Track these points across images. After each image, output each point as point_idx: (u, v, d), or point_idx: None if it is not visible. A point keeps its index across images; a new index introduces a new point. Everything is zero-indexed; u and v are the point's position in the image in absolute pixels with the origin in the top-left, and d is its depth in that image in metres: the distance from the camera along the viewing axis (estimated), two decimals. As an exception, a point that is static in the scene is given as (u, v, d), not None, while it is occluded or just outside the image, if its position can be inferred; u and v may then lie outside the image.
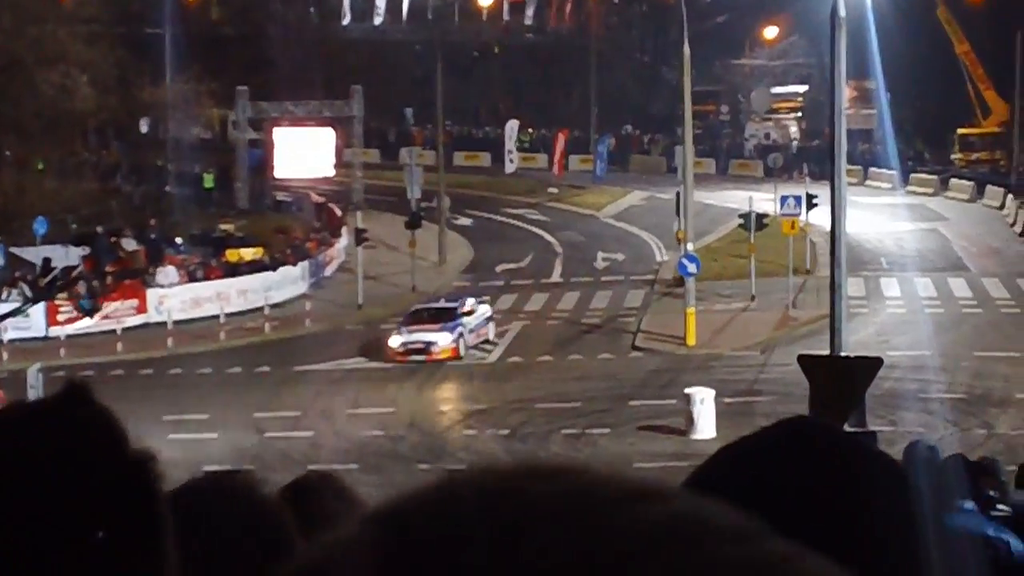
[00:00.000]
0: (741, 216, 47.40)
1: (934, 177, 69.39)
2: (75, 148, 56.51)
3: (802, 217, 46.96)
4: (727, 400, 33.43)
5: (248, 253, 52.58)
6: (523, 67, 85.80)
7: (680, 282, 43.51)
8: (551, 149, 77.46)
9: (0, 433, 1.68)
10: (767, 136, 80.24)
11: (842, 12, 27.12)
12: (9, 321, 42.56)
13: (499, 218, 65.71)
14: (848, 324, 27.87)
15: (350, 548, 0.93)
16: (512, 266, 54.52)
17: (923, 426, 30.51)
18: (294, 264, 51.36)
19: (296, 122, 65.75)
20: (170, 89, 60.97)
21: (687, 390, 33.07)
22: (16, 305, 41.46)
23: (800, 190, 48.34)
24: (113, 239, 51.76)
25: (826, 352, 25.99)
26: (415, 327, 40.76)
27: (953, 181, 68.59)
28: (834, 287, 26.90)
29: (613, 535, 0.90)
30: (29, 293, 40.58)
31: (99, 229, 51.72)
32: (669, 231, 50.92)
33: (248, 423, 34.50)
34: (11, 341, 43.21)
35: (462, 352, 40.60)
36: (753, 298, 45.57)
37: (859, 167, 66.15)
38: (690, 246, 42.28)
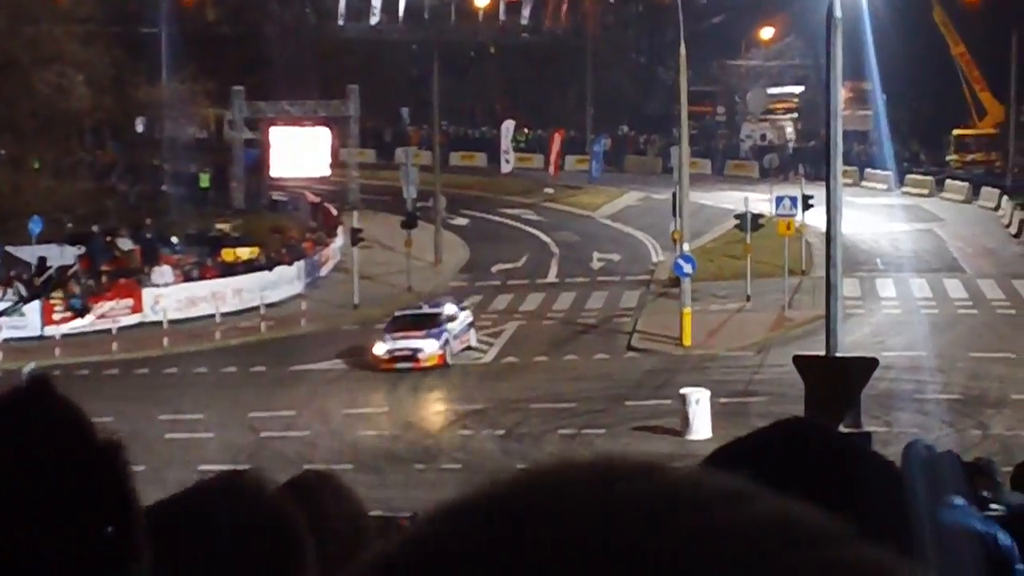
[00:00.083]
0: (737, 217, 47.36)
1: (930, 178, 69.34)
2: (71, 147, 56.29)
3: (798, 218, 46.90)
4: (723, 401, 33.43)
5: (244, 253, 52.50)
6: (519, 67, 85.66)
7: (676, 282, 43.48)
8: (547, 149, 77.35)
9: None
10: (763, 137, 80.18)
11: (838, 13, 27.11)
12: (4, 320, 42.53)
13: (495, 218, 65.64)
14: (844, 325, 27.81)
15: (455, 540, 0.89)
16: (508, 266, 54.47)
17: (919, 427, 30.48)
18: (290, 264, 51.28)
19: (292, 122, 65.66)
20: (166, 89, 60.81)
21: (683, 390, 33.08)
22: (10, 304, 41.42)
23: (796, 191, 48.27)
24: (109, 238, 51.68)
25: (822, 353, 25.97)
26: (400, 334, 39.89)
27: (949, 182, 68.56)
28: (830, 288, 26.87)
29: (717, 536, 0.89)
30: (24, 292, 40.54)
31: (95, 228, 51.59)
32: (665, 231, 50.87)
33: (244, 423, 34.49)
34: (6, 340, 42.99)
35: (449, 359, 39.99)
36: (749, 299, 45.56)
37: (855, 168, 66.10)
38: (686, 246, 42.28)
